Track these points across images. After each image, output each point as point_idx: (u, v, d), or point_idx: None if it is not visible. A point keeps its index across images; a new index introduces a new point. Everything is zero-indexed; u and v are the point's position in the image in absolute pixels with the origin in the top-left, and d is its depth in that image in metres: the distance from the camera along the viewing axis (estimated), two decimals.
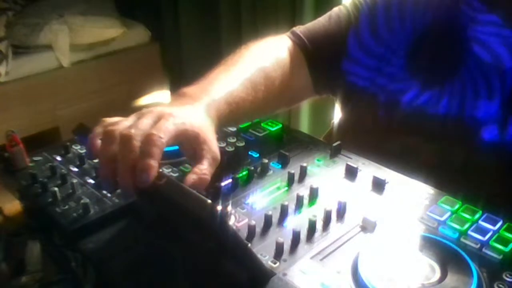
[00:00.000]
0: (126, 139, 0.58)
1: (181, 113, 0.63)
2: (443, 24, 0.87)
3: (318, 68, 0.95)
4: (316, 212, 0.68)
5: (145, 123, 0.60)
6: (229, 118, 0.74)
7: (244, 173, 0.77)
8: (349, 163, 0.78)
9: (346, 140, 0.86)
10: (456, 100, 0.86)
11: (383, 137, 0.91)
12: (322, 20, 0.97)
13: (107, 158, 0.59)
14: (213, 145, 0.65)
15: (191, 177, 0.60)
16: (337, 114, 1.06)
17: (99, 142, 0.60)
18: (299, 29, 0.98)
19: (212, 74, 0.79)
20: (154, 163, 0.57)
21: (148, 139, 0.58)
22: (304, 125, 2.01)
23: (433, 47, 0.88)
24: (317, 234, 0.65)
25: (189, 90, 0.72)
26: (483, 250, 0.62)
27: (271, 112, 0.90)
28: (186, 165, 0.80)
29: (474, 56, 0.82)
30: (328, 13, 0.97)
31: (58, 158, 0.83)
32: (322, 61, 0.95)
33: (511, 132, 0.83)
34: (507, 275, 0.58)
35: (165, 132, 0.59)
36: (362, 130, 0.95)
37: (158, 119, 0.61)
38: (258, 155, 0.83)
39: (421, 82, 0.88)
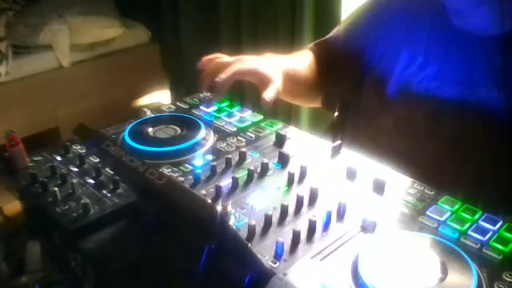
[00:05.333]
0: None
1: (257, 59, 0.94)
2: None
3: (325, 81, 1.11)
4: (316, 212, 0.68)
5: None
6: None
7: (244, 173, 0.77)
8: (349, 163, 0.78)
9: (347, 123, 0.97)
10: (444, 67, 0.92)
11: (378, 110, 0.98)
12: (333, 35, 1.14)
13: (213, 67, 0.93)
14: (277, 81, 0.90)
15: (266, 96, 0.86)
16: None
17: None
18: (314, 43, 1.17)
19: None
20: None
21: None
22: (304, 125, 2.01)
23: (419, 24, 0.97)
24: (317, 234, 0.65)
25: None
26: (483, 250, 0.62)
27: (304, 102, 1.22)
28: (186, 165, 0.80)
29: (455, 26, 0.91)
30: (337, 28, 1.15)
31: (58, 158, 0.83)
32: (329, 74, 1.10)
33: (494, 96, 0.87)
34: (507, 275, 0.58)
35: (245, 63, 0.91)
36: (360, 108, 1.04)
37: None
38: (258, 155, 0.83)
39: (410, 53, 0.96)
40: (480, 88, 0.88)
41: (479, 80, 0.88)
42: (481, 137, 0.87)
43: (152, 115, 0.95)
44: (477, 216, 0.68)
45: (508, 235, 0.64)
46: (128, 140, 0.84)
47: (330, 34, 1.14)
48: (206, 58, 0.97)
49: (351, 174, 0.77)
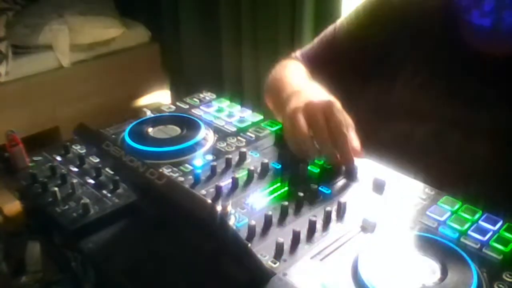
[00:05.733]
0: (323, 143, 0.76)
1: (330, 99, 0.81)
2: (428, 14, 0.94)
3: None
4: (316, 212, 0.68)
5: (321, 121, 0.76)
6: None
7: (244, 173, 0.77)
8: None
9: None
10: (449, 82, 0.88)
11: (377, 124, 0.94)
12: (316, 43, 1.09)
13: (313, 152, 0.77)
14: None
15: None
16: None
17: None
18: (296, 53, 1.12)
19: (284, 82, 0.97)
20: (351, 155, 0.76)
21: (342, 143, 0.75)
22: None
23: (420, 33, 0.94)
24: (317, 234, 0.65)
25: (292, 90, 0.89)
26: (483, 250, 0.62)
27: None
28: (186, 165, 0.80)
29: (461, 41, 0.88)
30: (323, 34, 1.08)
31: (58, 158, 0.83)
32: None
33: (503, 114, 0.84)
34: (507, 275, 0.58)
35: (346, 125, 0.77)
36: (357, 118, 0.98)
37: (323, 112, 0.77)
38: (258, 155, 0.83)
39: (414, 65, 0.92)
40: (490, 108, 0.85)
41: (489, 100, 0.85)
42: (487, 157, 0.84)
43: (152, 115, 0.95)
44: (477, 216, 0.68)
45: (508, 235, 0.64)
46: (128, 140, 0.84)
47: (317, 45, 1.08)
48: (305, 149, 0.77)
49: (351, 174, 0.77)
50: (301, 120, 0.77)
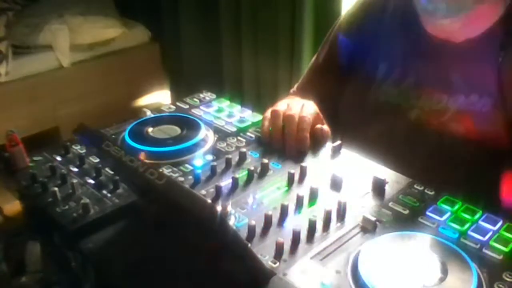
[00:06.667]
0: (289, 117, 0.85)
1: (311, 103, 0.91)
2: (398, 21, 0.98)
3: None
4: (316, 212, 0.68)
5: (296, 107, 0.87)
6: None
7: (244, 173, 0.77)
8: (349, 163, 0.78)
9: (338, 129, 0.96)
10: (421, 76, 0.93)
11: (361, 121, 0.99)
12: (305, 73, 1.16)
13: (278, 129, 0.85)
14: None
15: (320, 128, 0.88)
16: None
17: (266, 123, 0.88)
18: (293, 88, 1.16)
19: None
20: (307, 135, 0.84)
21: (302, 119, 0.84)
22: None
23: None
24: (317, 234, 0.65)
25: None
26: (483, 250, 0.62)
27: None
28: (186, 165, 0.80)
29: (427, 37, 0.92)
30: (309, 66, 1.15)
31: (58, 158, 0.83)
32: None
33: (473, 101, 0.87)
34: (507, 275, 0.58)
35: (310, 113, 0.86)
36: (342, 117, 1.03)
37: (302, 105, 0.88)
38: (258, 155, 0.83)
39: (387, 65, 0.97)
40: (459, 94, 0.88)
41: (457, 86, 0.88)
42: (465, 143, 0.87)
43: (152, 115, 0.95)
44: (477, 216, 0.68)
45: (508, 235, 0.64)
46: (128, 140, 0.84)
47: (306, 73, 1.15)
48: (269, 133, 0.87)
49: (351, 174, 0.77)
50: (279, 115, 0.86)
